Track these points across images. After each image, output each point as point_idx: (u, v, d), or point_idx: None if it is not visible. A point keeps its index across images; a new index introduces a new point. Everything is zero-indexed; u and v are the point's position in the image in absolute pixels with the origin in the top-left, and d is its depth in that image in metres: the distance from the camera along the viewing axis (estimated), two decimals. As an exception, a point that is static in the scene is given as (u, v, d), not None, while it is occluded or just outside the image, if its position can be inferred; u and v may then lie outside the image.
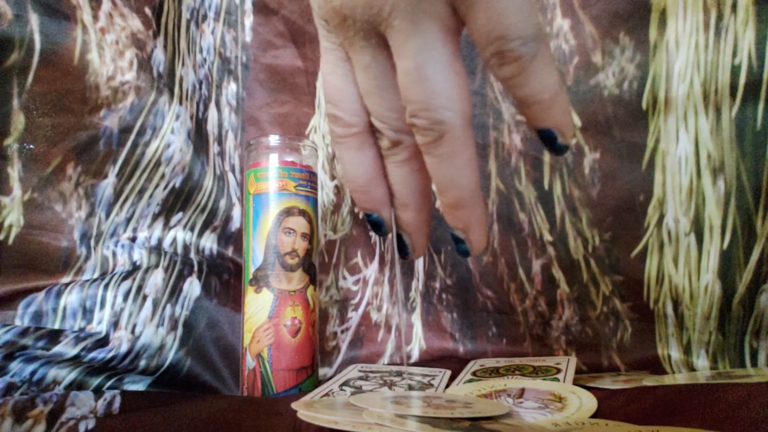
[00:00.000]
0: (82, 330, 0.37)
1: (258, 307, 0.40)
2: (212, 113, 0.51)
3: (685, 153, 0.37)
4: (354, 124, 0.27)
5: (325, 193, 0.53)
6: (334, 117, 0.27)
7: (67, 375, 0.34)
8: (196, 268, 0.45)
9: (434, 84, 0.23)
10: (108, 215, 0.41)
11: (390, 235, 0.29)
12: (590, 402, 0.28)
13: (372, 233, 0.52)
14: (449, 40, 0.23)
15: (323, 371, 0.49)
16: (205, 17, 0.51)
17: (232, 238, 0.49)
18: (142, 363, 0.38)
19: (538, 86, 0.23)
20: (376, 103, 0.26)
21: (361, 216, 0.52)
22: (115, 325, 0.38)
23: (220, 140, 0.51)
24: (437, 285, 0.49)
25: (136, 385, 0.39)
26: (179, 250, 0.45)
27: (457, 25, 0.23)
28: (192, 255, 0.45)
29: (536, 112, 0.24)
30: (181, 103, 0.45)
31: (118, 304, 0.39)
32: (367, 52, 0.25)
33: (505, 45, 0.22)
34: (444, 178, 0.25)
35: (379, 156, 0.28)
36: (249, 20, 0.53)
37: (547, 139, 0.24)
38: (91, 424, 0.28)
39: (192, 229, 0.46)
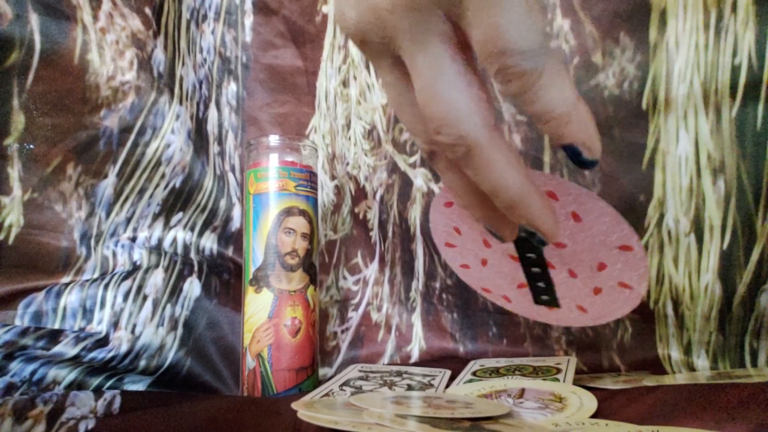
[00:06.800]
0: (82, 330, 0.37)
1: (258, 307, 0.40)
2: (212, 113, 0.51)
3: (685, 153, 0.37)
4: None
5: (325, 193, 0.53)
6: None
7: (67, 375, 0.34)
8: (196, 268, 0.45)
9: (449, 100, 0.23)
10: (108, 215, 0.41)
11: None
12: (590, 402, 0.28)
13: (372, 234, 0.52)
14: (458, 54, 0.23)
15: (323, 371, 0.49)
16: (205, 17, 0.51)
17: (232, 238, 0.49)
18: (142, 363, 0.38)
19: (550, 102, 0.22)
20: (405, 118, 0.26)
21: (361, 216, 0.52)
22: (115, 325, 0.38)
23: (221, 140, 0.51)
24: (437, 285, 0.48)
25: (136, 385, 0.39)
26: (179, 250, 0.45)
27: (465, 39, 0.23)
28: (192, 255, 0.45)
29: (554, 128, 0.23)
30: (181, 103, 0.45)
31: (118, 304, 0.39)
32: (388, 71, 0.25)
33: (506, 60, 0.21)
34: (488, 187, 0.24)
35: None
36: (249, 20, 0.53)
37: (572, 155, 0.24)
38: (91, 424, 0.28)
39: (192, 229, 0.46)
